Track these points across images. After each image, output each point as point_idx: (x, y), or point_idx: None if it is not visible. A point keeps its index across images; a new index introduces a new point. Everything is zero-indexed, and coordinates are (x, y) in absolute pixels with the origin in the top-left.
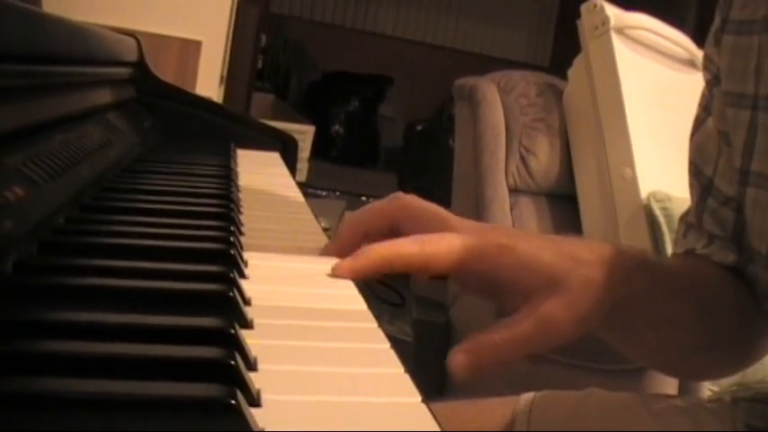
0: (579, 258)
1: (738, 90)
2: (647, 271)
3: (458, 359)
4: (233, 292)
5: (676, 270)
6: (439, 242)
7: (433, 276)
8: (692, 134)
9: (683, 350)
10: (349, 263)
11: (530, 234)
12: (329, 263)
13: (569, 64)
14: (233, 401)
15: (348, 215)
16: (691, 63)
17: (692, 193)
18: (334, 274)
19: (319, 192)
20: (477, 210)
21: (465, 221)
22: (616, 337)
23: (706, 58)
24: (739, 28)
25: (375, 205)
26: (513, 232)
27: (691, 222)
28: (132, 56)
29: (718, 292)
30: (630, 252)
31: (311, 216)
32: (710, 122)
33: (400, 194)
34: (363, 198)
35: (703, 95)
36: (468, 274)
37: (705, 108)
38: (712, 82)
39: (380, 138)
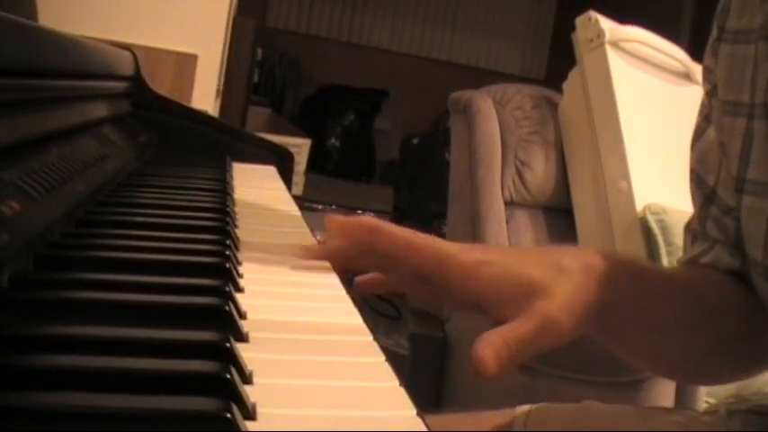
0: (562, 267)
1: (735, 98)
2: (634, 275)
3: (486, 353)
4: (228, 306)
5: (675, 276)
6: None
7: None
8: (693, 143)
9: (688, 354)
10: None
11: (510, 249)
12: (324, 277)
13: (564, 77)
14: (228, 415)
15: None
16: (685, 76)
17: (693, 201)
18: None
19: (315, 205)
20: (472, 223)
21: (439, 241)
22: (614, 343)
23: (705, 68)
24: (736, 37)
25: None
26: (492, 248)
27: (696, 230)
28: (128, 70)
29: (723, 296)
30: (617, 258)
31: (307, 230)
32: (712, 132)
33: (367, 217)
34: (359, 212)
35: (703, 105)
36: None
37: (705, 117)
38: (712, 92)
39: (376, 151)
